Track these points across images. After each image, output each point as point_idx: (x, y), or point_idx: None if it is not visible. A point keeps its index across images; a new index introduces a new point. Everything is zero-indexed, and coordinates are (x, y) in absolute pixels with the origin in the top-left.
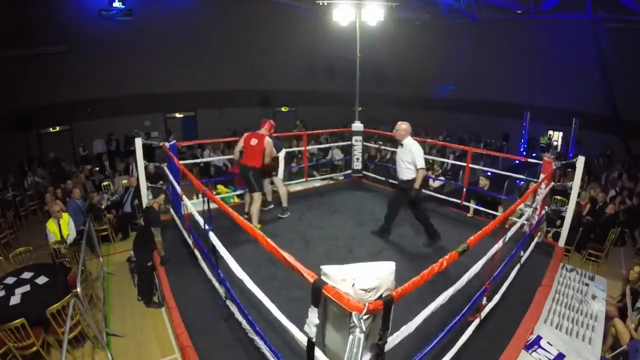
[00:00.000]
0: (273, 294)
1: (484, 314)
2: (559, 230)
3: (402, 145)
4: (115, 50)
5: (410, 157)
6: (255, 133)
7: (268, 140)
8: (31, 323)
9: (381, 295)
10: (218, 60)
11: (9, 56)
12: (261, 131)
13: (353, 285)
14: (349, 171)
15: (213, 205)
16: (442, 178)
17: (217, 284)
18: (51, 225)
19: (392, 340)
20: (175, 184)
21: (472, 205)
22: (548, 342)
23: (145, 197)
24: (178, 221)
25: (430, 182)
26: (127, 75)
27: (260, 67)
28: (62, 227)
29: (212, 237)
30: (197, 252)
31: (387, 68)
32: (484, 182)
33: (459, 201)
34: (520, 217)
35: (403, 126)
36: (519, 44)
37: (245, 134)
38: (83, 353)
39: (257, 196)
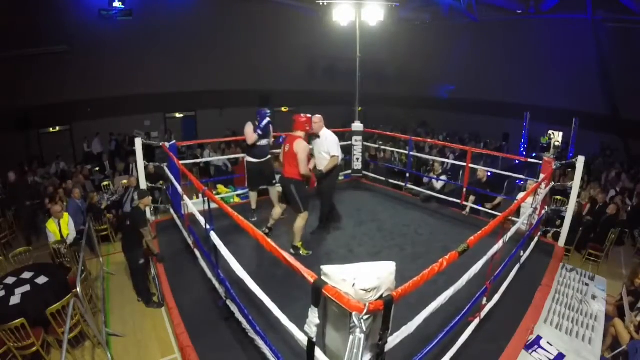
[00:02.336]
0: (273, 294)
1: (484, 314)
2: (559, 230)
3: (318, 137)
4: (115, 50)
5: (327, 146)
6: (290, 135)
7: (300, 144)
8: (31, 323)
9: (381, 295)
10: (218, 60)
11: (10, 56)
12: (296, 133)
13: (353, 285)
14: (349, 171)
15: (213, 205)
16: (444, 178)
17: (217, 284)
18: (51, 225)
19: (393, 340)
20: (176, 183)
21: (469, 204)
22: (548, 342)
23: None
24: (178, 221)
25: (434, 182)
26: (127, 75)
27: (260, 67)
28: (62, 227)
29: (214, 236)
30: (197, 252)
31: (387, 68)
32: (482, 174)
33: (459, 201)
34: (520, 217)
35: (318, 119)
36: (519, 44)
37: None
38: (83, 353)
39: (303, 216)
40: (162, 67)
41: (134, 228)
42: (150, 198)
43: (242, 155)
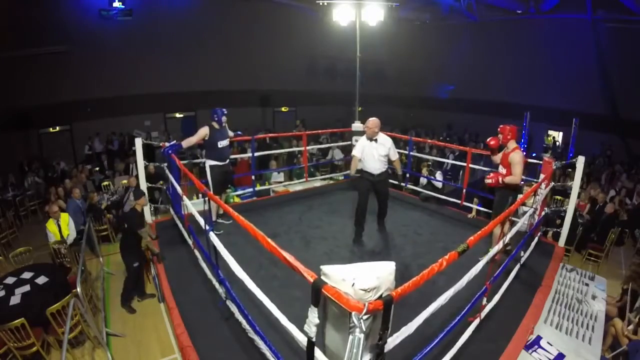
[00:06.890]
0: (273, 294)
1: (484, 314)
2: (559, 230)
3: (375, 140)
4: (116, 50)
5: (385, 150)
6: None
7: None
8: (31, 323)
9: (381, 295)
10: (218, 60)
11: (9, 56)
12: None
13: (353, 285)
14: (349, 171)
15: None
16: (440, 177)
17: (217, 284)
18: (51, 225)
19: (392, 340)
20: (176, 184)
21: (474, 206)
22: (548, 342)
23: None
24: (178, 221)
25: (433, 181)
26: (127, 75)
27: (260, 67)
28: (62, 227)
29: (213, 237)
30: (197, 252)
31: (387, 68)
32: None
33: (459, 201)
34: (520, 217)
35: (376, 122)
36: (519, 44)
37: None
38: (83, 353)
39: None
40: (162, 67)
41: (131, 230)
42: (146, 198)
43: (241, 155)
